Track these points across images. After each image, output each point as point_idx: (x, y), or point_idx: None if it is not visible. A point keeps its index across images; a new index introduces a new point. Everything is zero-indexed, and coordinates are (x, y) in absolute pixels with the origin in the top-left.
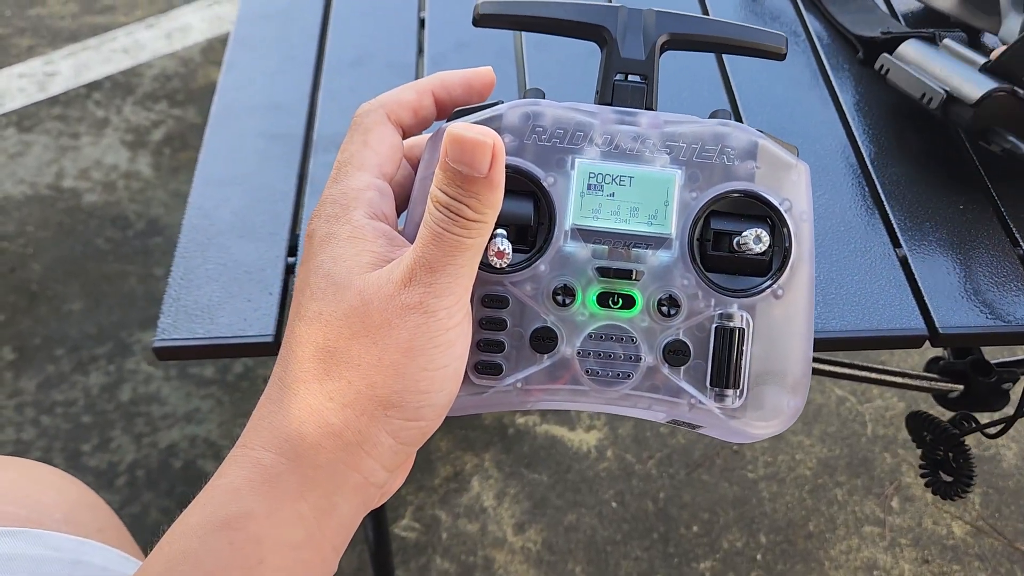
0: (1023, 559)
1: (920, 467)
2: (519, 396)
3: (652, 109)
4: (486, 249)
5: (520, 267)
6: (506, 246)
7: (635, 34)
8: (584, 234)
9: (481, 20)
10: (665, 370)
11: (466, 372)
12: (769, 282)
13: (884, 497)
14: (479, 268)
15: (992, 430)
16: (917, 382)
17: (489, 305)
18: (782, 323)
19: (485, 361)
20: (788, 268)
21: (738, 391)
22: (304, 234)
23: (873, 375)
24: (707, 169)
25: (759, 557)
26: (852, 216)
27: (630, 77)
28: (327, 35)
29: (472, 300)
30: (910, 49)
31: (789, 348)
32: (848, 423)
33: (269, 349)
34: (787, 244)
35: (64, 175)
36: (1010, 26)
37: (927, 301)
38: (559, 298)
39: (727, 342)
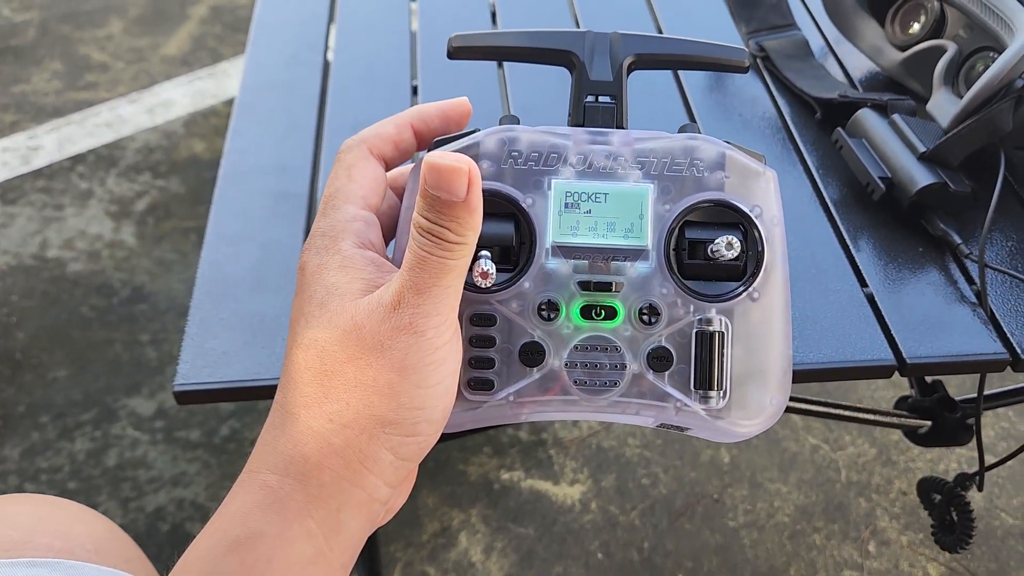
0: None
1: (931, 527)
2: (512, 409)
3: (623, 127)
4: (472, 270)
5: (505, 286)
6: (490, 267)
7: (602, 57)
8: (564, 251)
9: (455, 52)
10: (650, 376)
11: (460, 389)
12: (744, 286)
13: (861, 541)
14: (466, 289)
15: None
16: (888, 419)
17: (478, 324)
18: (760, 325)
19: (477, 377)
20: (762, 272)
21: (721, 392)
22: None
23: (847, 413)
24: (679, 181)
25: None
26: (822, 259)
27: (600, 98)
28: (326, 103)
29: (461, 319)
30: (862, 121)
31: (768, 348)
32: (823, 470)
33: None
34: (760, 249)
35: (48, 245)
36: (939, 100)
37: (894, 335)
38: (544, 313)
39: (708, 346)
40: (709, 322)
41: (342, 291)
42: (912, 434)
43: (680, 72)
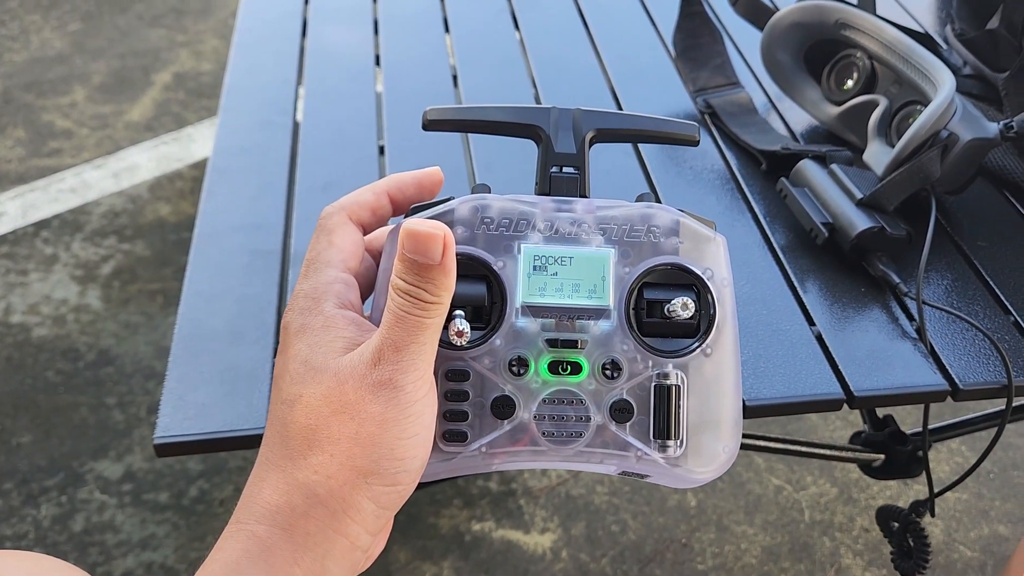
0: None
1: (891, 554)
2: (484, 460)
3: (586, 196)
4: (447, 329)
5: (478, 343)
6: (465, 326)
7: (566, 131)
8: (533, 310)
9: (429, 125)
10: (613, 427)
11: (436, 441)
12: (698, 343)
13: None
14: (441, 346)
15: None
16: (843, 453)
17: (452, 379)
18: (712, 378)
19: (452, 430)
20: (714, 329)
21: (678, 441)
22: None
23: (804, 449)
24: (637, 246)
25: None
26: (772, 300)
27: (564, 169)
28: (296, 164)
29: (436, 375)
30: (804, 171)
31: (721, 399)
32: (787, 511)
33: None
34: (712, 308)
35: (12, 311)
36: (873, 150)
37: (842, 370)
38: (514, 368)
39: (665, 398)
40: (666, 376)
41: (325, 349)
42: (867, 467)
43: None
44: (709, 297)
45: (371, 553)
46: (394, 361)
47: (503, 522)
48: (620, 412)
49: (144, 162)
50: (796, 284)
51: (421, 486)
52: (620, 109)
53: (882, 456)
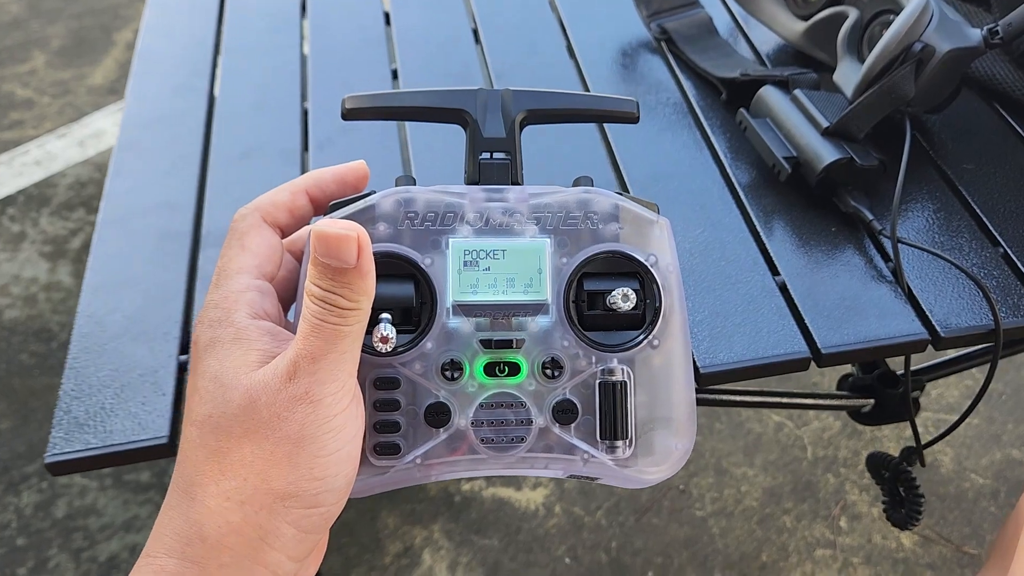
0: (972, 562)
1: (882, 503)
2: (421, 471)
3: (518, 183)
4: (371, 335)
5: (407, 348)
6: (389, 331)
7: (495, 114)
8: (465, 309)
9: (349, 114)
10: (556, 429)
11: (366, 454)
12: (644, 335)
13: (832, 518)
14: (367, 353)
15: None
16: (828, 401)
17: (381, 387)
18: (661, 372)
19: (383, 442)
20: (661, 319)
21: (627, 441)
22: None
23: (786, 400)
24: (574, 234)
25: None
26: (732, 249)
27: (495, 155)
28: (212, 132)
29: (364, 384)
30: (764, 100)
31: (671, 394)
32: (788, 449)
33: (165, 451)
34: (657, 297)
35: None
36: (844, 70)
37: (808, 324)
38: (448, 373)
39: (611, 396)
40: (611, 372)
41: (236, 364)
42: (856, 414)
43: (579, 57)
44: (654, 285)
45: (307, 571)
46: (311, 373)
47: (493, 480)
48: (564, 413)
49: (110, 127)
50: (759, 227)
51: (393, 495)
52: (567, 38)
53: (872, 401)
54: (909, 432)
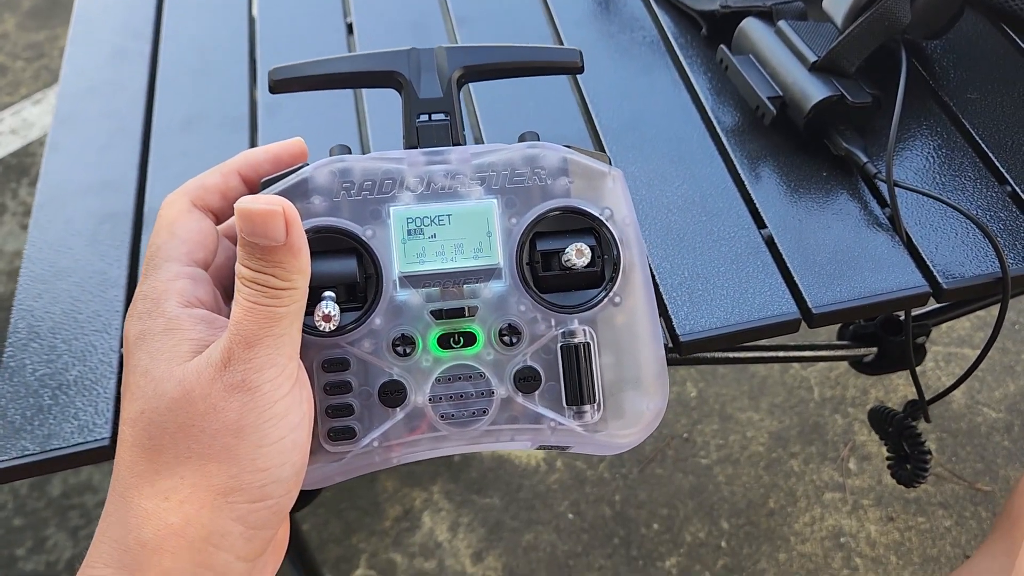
0: (985, 499)
1: (887, 459)
2: (381, 455)
3: (460, 144)
4: (313, 314)
5: (354, 326)
6: (332, 309)
7: (430, 73)
8: (413, 280)
9: (276, 87)
10: (520, 399)
11: (320, 441)
12: (604, 292)
13: (840, 460)
14: (312, 334)
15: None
16: (829, 352)
17: (330, 369)
18: (626, 330)
19: (337, 427)
20: (621, 275)
21: (595, 405)
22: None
23: (782, 353)
24: (523, 192)
25: (723, 544)
26: (713, 201)
27: (433, 116)
28: (154, 100)
29: (312, 367)
30: (746, 34)
31: (638, 352)
32: (795, 391)
33: (108, 454)
34: (615, 251)
35: None
36: None
37: (797, 281)
38: (400, 349)
39: (574, 359)
40: (572, 334)
41: (168, 355)
42: (858, 363)
43: (550, 3)
44: (611, 239)
45: (267, 566)
46: (246, 360)
47: None
48: (526, 381)
49: None
50: (743, 176)
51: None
52: (552, 23)
53: (874, 349)
54: (919, 369)
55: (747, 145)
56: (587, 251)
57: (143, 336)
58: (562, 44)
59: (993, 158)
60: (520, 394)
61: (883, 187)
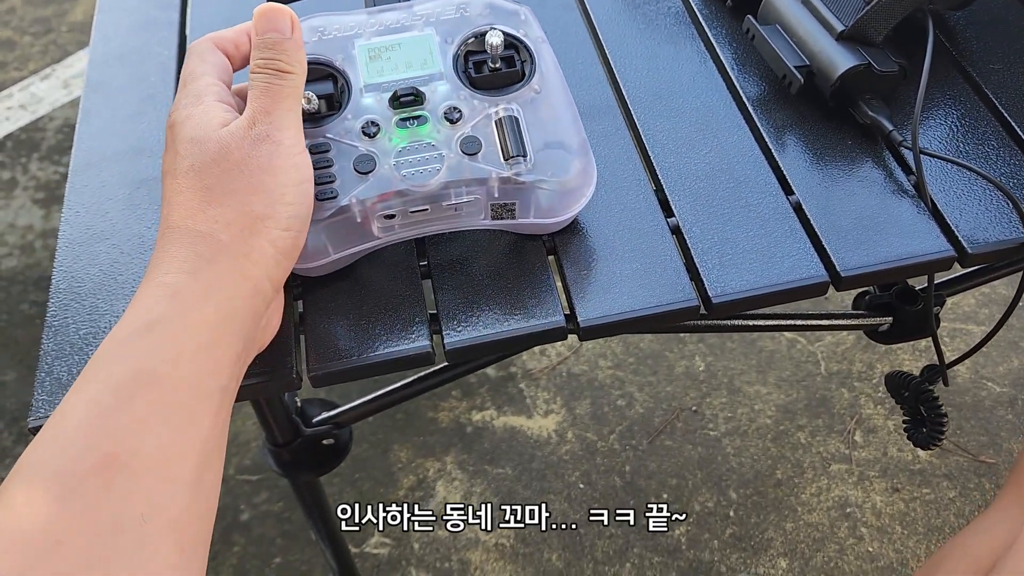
0: (989, 471)
1: (903, 423)
2: (362, 217)
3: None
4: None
5: (331, 120)
6: (310, 94)
7: None
8: (375, 87)
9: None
10: (467, 160)
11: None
12: (525, 83)
13: (847, 433)
14: (304, 123)
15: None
16: (845, 322)
17: (316, 152)
18: (546, 111)
19: (322, 191)
20: (538, 71)
21: (527, 158)
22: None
23: (799, 322)
24: (454, 24)
25: (732, 514)
26: (740, 170)
27: None
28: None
29: None
30: (773, 3)
31: (559, 128)
32: (802, 365)
33: None
34: (531, 56)
35: None
36: None
37: (825, 246)
38: (367, 131)
39: (506, 126)
40: (505, 110)
41: (208, 126)
42: (873, 333)
43: None
44: (528, 51)
45: (270, 323)
46: (267, 122)
47: (504, 409)
48: (469, 144)
49: None
50: (770, 145)
51: (404, 429)
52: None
53: (890, 319)
54: (923, 344)
55: (773, 114)
56: (501, 35)
57: (188, 119)
58: (587, 13)
59: (1016, 127)
60: (466, 156)
61: (908, 155)
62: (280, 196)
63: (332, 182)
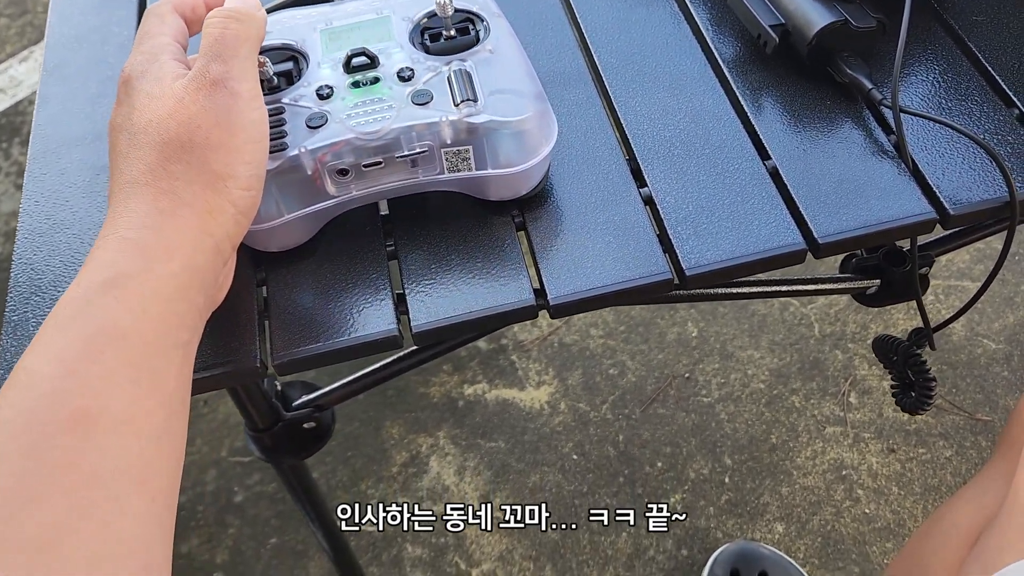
0: (985, 429)
1: (891, 387)
2: (312, 169)
3: None
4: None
5: (288, 88)
6: (266, 59)
7: None
8: (332, 60)
9: None
10: (418, 110)
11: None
12: (479, 46)
13: (841, 395)
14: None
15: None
16: (831, 286)
17: (272, 115)
18: (501, 66)
19: (274, 145)
20: (491, 35)
21: (477, 103)
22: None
23: (784, 288)
24: (413, 5)
25: (727, 480)
26: (716, 135)
27: None
28: None
29: None
30: None
31: (513, 79)
32: (794, 328)
33: None
34: (489, 29)
35: None
36: None
37: (803, 212)
38: (321, 92)
39: (458, 78)
40: (457, 65)
41: (163, 80)
42: (861, 296)
43: None
44: (483, 22)
45: (226, 282)
46: (223, 72)
47: (496, 382)
48: (420, 95)
49: None
50: (746, 107)
51: (395, 405)
52: None
53: (877, 281)
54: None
55: (749, 76)
56: (453, 7)
57: (145, 72)
58: None
59: (1000, 81)
60: (417, 107)
61: (888, 114)
62: (239, 155)
63: (283, 136)
